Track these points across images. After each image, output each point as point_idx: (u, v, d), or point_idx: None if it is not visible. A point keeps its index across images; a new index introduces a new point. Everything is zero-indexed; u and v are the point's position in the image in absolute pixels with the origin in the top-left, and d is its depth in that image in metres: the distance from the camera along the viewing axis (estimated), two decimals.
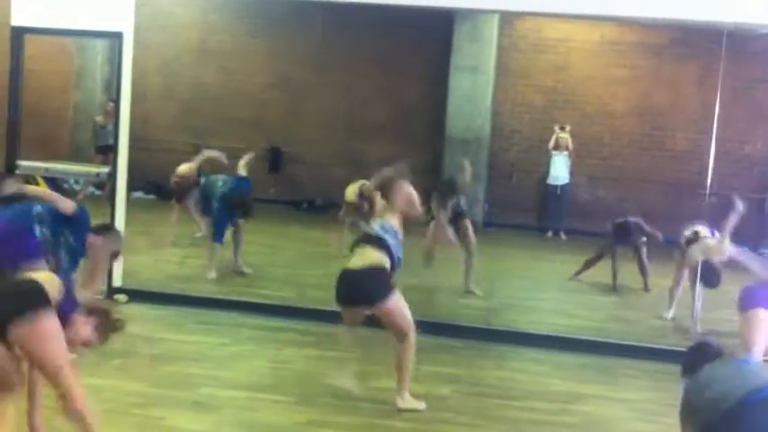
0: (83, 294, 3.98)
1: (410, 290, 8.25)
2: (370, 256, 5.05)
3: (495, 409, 5.25)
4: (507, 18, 12.86)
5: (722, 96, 7.38)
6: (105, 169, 7.75)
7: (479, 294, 8.17)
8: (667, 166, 12.28)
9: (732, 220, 6.84)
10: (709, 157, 7.35)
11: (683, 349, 6.49)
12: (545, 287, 9.34)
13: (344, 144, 13.20)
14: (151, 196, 12.33)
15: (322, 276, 8.59)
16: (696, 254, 7.32)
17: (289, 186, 13.33)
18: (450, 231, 8.15)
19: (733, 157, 11.60)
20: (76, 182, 12.89)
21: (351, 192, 8.69)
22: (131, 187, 7.57)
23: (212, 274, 8.08)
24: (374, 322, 6.54)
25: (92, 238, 5.48)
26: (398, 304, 5.06)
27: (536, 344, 6.69)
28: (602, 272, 9.22)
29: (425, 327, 6.80)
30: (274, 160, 13.60)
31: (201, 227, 9.39)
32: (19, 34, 7.31)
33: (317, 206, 12.91)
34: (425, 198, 6.66)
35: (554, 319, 7.71)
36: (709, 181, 7.38)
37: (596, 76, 13.02)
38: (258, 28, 13.53)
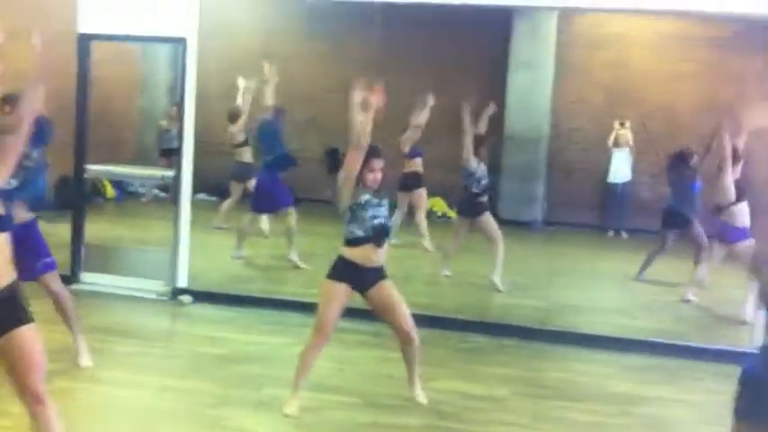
0: None
1: (468, 288, 8.37)
2: None
3: (554, 411, 5.24)
4: (566, 14, 12.76)
5: None
6: (170, 172, 7.91)
7: (502, 290, 8.15)
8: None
9: None
10: None
11: (747, 350, 6.45)
12: (606, 287, 9.26)
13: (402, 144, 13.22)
14: (214, 198, 12.52)
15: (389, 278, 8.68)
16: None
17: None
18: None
19: None
20: (142, 185, 13.20)
21: None
22: (195, 189, 7.70)
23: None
24: (427, 322, 6.61)
25: None
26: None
27: (596, 345, 6.64)
28: (663, 271, 9.12)
29: (483, 327, 6.88)
30: (333, 162, 13.69)
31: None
32: (85, 41, 7.52)
33: None
34: None
35: (615, 319, 7.64)
36: None
37: (658, 71, 12.83)
38: (317, 31, 13.65)
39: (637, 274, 9.19)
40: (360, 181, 4.86)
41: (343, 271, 4.81)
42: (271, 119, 8.88)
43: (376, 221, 4.79)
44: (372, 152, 4.91)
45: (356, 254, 4.80)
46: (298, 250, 8.80)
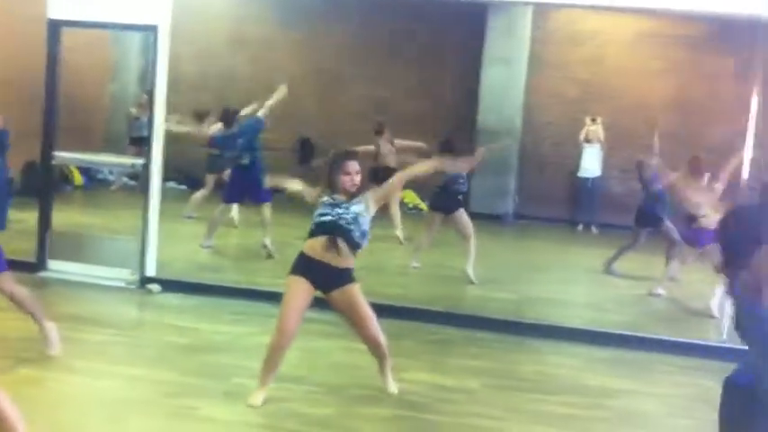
0: None
1: (439, 280, 8.36)
2: None
3: (526, 403, 5.23)
4: (541, 10, 12.79)
5: (760, 90, 7.29)
6: (139, 160, 7.81)
7: (475, 282, 8.16)
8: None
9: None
10: (745, 151, 7.27)
11: (715, 344, 6.51)
12: (576, 280, 9.30)
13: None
14: (183, 186, 12.42)
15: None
16: None
17: (319, 178, 13.35)
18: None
19: None
20: (110, 172, 13.06)
21: None
22: (164, 178, 7.61)
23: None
24: (397, 313, 6.58)
25: None
26: None
27: (567, 337, 6.66)
28: (634, 265, 9.18)
29: (454, 319, 6.87)
30: (305, 152, 13.63)
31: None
32: (55, 27, 7.39)
33: None
34: None
35: (586, 312, 7.67)
36: (746, 175, 7.30)
37: (631, 68, 12.90)
38: (291, 19, 13.57)
39: (605, 267, 9.24)
40: (333, 185, 4.80)
41: (299, 264, 4.83)
42: (254, 122, 8.91)
43: (324, 218, 4.78)
44: (348, 155, 4.85)
45: (307, 246, 4.82)
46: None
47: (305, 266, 4.79)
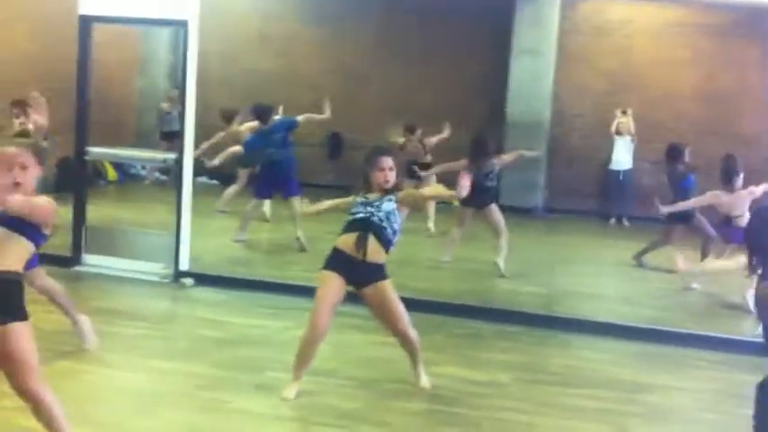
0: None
1: (469, 274, 8.35)
2: None
3: (556, 397, 5.23)
4: (569, 1, 12.71)
5: None
6: (171, 155, 7.88)
7: (505, 274, 8.14)
8: (734, 149, 11.98)
9: None
10: None
11: (748, 339, 6.46)
12: (608, 274, 9.25)
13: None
14: (214, 181, 12.49)
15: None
16: None
17: (348, 172, 13.39)
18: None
19: None
20: (143, 167, 13.18)
21: None
22: (196, 173, 7.68)
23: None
24: (427, 307, 6.59)
25: None
26: None
27: (599, 332, 6.63)
28: (668, 259, 9.10)
29: (484, 313, 6.87)
30: (334, 146, 13.68)
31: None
32: (87, 23, 7.48)
33: None
34: None
35: (617, 306, 7.63)
36: None
37: (659, 58, 12.79)
38: (316, 15, 13.60)
39: (635, 259, 9.18)
40: (368, 181, 4.85)
41: (332, 259, 4.85)
42: (290, 120, 9.20)
43: (357, 215, 4.82)
44: (382, 151, 4.89)
45: (340, 241, 4.85)
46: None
47: (337, 261, 4.82)
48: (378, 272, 4.85)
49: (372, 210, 4.79)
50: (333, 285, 4.81)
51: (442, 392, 5.15)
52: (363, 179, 4.90)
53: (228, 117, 10.41)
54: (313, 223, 9.02)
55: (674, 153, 8.99)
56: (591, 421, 4.92)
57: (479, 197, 8.25)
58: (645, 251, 9.20)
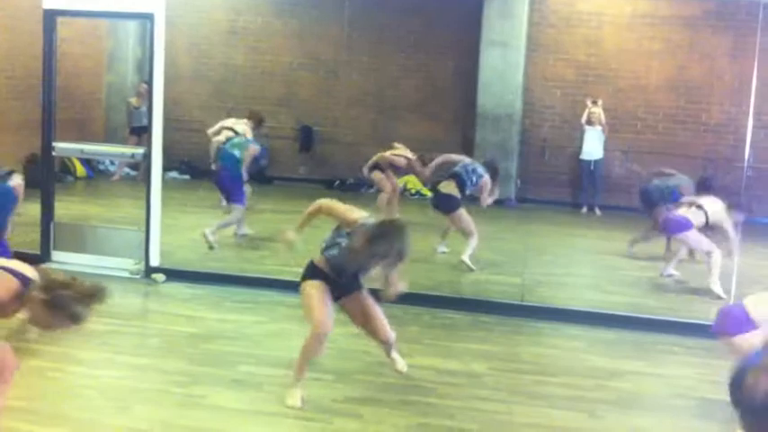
0: None
1: (442, 266, 8.36)
2: None
3: (531, 386, 5.24)
4: None
5: (759, 69, 7.27)
6: (140, 150, 7.80)
7: (474, 269, 8.11)
8: (703, 139, 12.14)
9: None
10: (746, 131, 7.26)
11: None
12: (580, 263, 9.31)
13: (375, 122, 13.20)
14: (185, 176, 12.41)
15: None
16: None
17: (320, 165, 13.36)
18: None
19: None
20: (112, 163, 13.04)
21: None
22: (165, 167, 7.61)
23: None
24: (402, 299, 6.58)
25: None
26: None
27: (571, 320, 6.67)
28: (637, 247, 9.18)
29: (459, 303, 6.88)
30: (305, 139, 13.63)
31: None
32: (51, 17, 7.37)
33: (348, 185, 12.93)
34: None
35: (589, 294, 7.68)
36: (746, 154, 7.31)
37: (629, 49, 12.86)
38: (286, 8, 13.52)
39: (629, 247, 9.20)
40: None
41: (310, 271, 4.81)
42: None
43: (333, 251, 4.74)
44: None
45: (318, 260, 4.81)
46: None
47: (317, 273, 4.78)
48: (356, 281, 4.84)
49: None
50: (320, 286, 4.73)
51: (417, 383, 5.15)
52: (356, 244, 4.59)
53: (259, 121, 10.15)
54: (281, 216, 9.02)
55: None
56: (564, 409, 4.94)
57: (441, 202, 8.35)
58: (636, 240, 9.21)
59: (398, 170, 10.04)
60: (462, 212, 8.28)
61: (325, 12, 13.18)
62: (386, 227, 4.54)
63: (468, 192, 8.34)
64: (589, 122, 12.49)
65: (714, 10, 11.99)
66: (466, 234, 8.27)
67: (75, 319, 3.63)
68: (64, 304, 3.60)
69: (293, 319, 6.45)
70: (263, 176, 11.75)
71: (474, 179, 8.35)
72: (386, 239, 4.46)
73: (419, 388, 5.09)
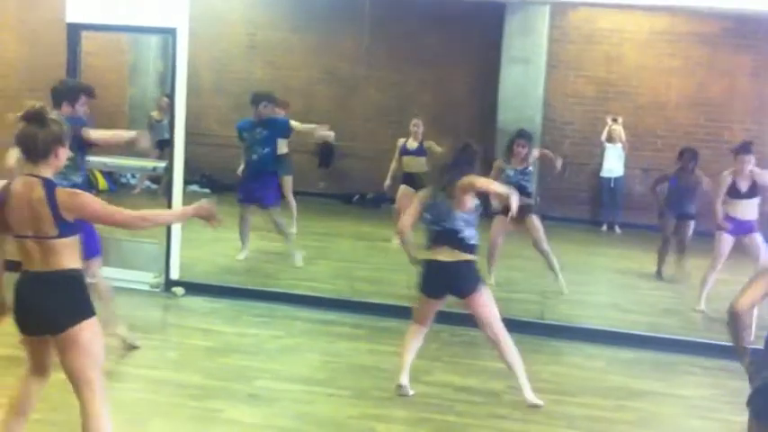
0: None
1: None
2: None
3: (549, 405, 5.20)
4: (559, 9, 12.73)
5: None
6: (162, 164, 7.84)
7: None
8: (725, 157, 12.02)
9: None
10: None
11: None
12: (599, 281, 9.25)
13: (394, 138, 13.18)
14: (206, 190, 12.44)
15: (373, 270, 8.65)
16: None
17: (339, 180, 13.37)
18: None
19: None
20: (133, 176, 13.12)
21: None
22: (186, 181, 7.65)
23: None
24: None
25: None
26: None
27: (591, 339, 6.63)
28: (655, 266, 9.12)
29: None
30: (324, 154, 13.65)
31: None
32: (75, 31, 7.44)
33: (367, 200, 12.93)
34: None
35: (608, 313, 7.63)
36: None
37: (649, 66, 12.81)
38: (305, 23, 13.57)
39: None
40: None
41: None
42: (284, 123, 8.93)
43: None
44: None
45: None
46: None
47: None
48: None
49: None
50: None
51: (434, 400, 5.13)
52: None
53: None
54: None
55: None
56: (583, 429, 4.91)
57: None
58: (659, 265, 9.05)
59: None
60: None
61: (342, 27, 13.22)
62: None
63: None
64: (610, 140, 12.44)
65: (733, 27, 11.93)
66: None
67: None
68: None
69: (309, 333, 6.48)
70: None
71: None
72: None
73: (436, 405, 5.07)
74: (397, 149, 10.12)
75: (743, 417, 3.95)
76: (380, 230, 10.48)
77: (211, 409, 4.80)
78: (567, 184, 12.96)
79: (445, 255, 5.05)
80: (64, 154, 3.64)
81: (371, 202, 12.77)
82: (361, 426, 4.72)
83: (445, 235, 5.04)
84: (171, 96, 7.48)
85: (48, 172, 3.56)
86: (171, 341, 6.13)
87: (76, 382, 3.66)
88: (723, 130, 12.38)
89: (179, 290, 7.22)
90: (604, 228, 12.44)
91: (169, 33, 7.29)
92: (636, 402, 5.39)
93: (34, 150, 3.53)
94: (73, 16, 7.38)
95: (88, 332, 3.58)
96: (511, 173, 8.00)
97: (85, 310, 3.61)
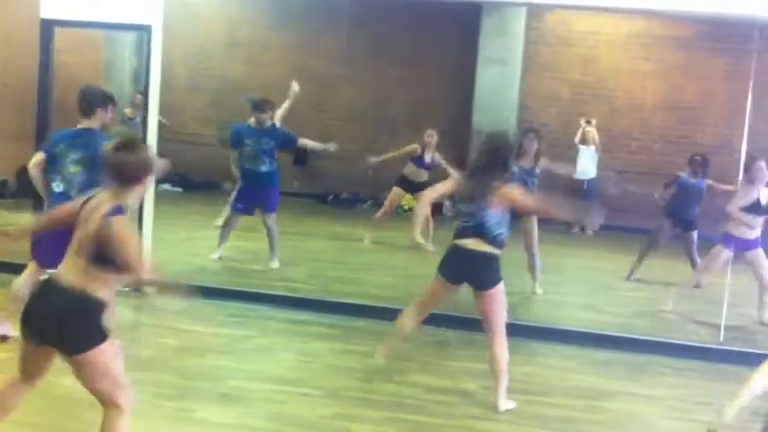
0: None
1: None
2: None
3: (522, 405, 5.21)
4: (535, 11, 12.79)
5: (754, 90, 7.30)
6: None
7: None
8: None
9: None
10: (740, 152, 7.28)
11: (711, 346, 6.53)
12: (572, 282, 9.30)
13: (370, 137, 13.20)
14: (178, 189, 12.39)
15: (347, 270, 8.65)
16: None
17: (314, 180, 13.35)
18: None
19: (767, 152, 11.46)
20: None
21: None
22: (158, 180, 7.59)
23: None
24: (393, 315, 6.57)
25: None
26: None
27: (563, 339, 6.66)
28: (629, 267, 9.18)
29: (451, 321, 6.86)
30: (299, 154, 13.62)
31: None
32: (48, 27, 7.36)
33: (342, 200, 12.93)
34: None
35: (581, 314, 7.66)
36: (740, 176, 7.32)
37: (624, 69, 12.92)
38: (283, 21, 13.56)
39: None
40: None
41: None
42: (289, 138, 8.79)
43: None
44: None
45: None
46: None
47: None
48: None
49: None
50: None
51: (407, 401, 5.13)
52: None
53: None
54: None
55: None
56: (555, 430, 4.92)
57: None
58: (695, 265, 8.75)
59: None
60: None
61: (322, 26, 13.21)
62: None
63: None
64: (583, 142, 12.52)
65: (707, 31, 12.05)
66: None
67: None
68: None
69: (283, 333, 6.46)
70: None
71: None
72: None
73: (409, 406, 5.07)
74: (409, 153, 10.01)
75: (713, 417, 4.00)
76: (355, 230, 10.49)
77: (183, 409, 4.77)
78: (541, 186, 13.02)
79: (472, 244, 5.04)
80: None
81: (346, 203, 12.78)
82: (333, 425, 4.71)
83: (475, 228, 5.03)
84: (144, 94, 7.41)
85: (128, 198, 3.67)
86: (143, 340, 6.08)
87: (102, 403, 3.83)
88: (696, 133, 12.50)
89: (151, 289, 7.15)
90: (576, 229, 12.51)
91: (144, 30, 7.23)
92: (607, 403, 5.41)
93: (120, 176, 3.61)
94: (47, 12, 7.30)
95: (103, 356, 3.73)
96: (516, 170, 7.95)
97: (98, 337, 3.73)
